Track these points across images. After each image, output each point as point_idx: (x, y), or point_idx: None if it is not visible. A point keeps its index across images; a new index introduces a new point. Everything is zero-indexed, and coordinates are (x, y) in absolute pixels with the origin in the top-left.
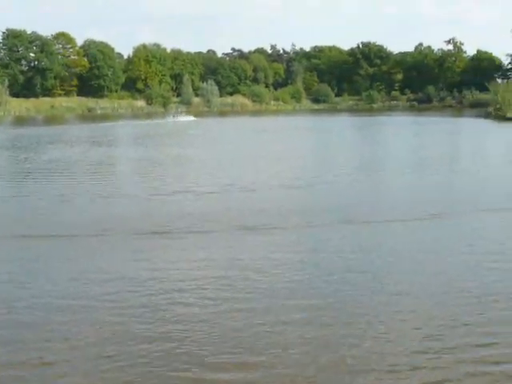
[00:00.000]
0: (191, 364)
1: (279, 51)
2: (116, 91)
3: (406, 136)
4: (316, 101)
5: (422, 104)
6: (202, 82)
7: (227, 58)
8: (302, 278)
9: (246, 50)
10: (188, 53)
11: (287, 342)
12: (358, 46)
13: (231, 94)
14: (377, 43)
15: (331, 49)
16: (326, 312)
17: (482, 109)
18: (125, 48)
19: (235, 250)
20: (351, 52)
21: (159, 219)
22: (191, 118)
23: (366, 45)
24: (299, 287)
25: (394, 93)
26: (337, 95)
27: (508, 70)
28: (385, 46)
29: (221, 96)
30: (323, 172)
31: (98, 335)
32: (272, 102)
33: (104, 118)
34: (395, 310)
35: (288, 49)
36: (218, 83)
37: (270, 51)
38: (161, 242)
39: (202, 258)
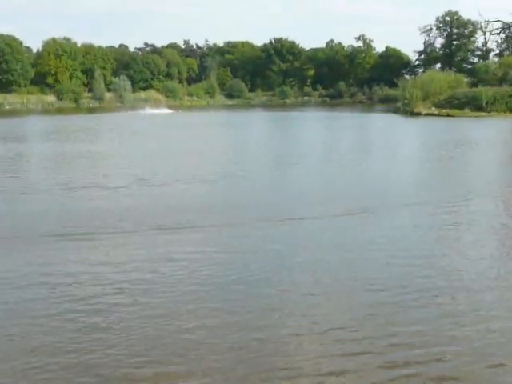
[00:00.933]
0: (102, 377)
1: (192, 46)
2: (25, 86)
3: (319, 131)
4: (230, 96)
5: (333, 99)
6: (115, 77)
7: (140, 53)
8: (219, 281)
9: (158, 44)
10: (99, 47)
11: (204, 349)
12: (271, 42)
13: (144, 89)
14: (289, 39)
15: (244, 44)
16: (239, 316)
17: (391, 104)
18: (35, 42)
19: (149, 252)
20: (264, 48)
21: (66, 219)
22: (166, 110)
23: (278, 41)
24: (215, 290)
25: (306, 88)
26: (250, 91)
27: (416, 66)
28: (297, 42)
29: (134, 91)
30: (239, 167)
31: None
32: (186, 98)
33: (12, 113)
34: (306, 309)
35: (201, 44)
36: (130, 78)
37: (183, 46)
38: (68, 244)
39: (113, 261)
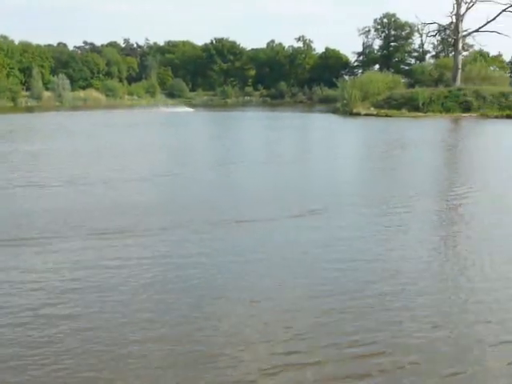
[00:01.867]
0: None
1: (132, 45)
2: None
3: (260, 131)
4: (171, 96)
5: (274, 99)
6: (53, 75)
7: (79, 52)
8: (159, 289)
9: (98, 43)
10: (37, 45)
11: (139, 363)
12: (212, 42)
13: (84, 88)
14: (230, 39)
15: (185, 44)
16: (176, 327)
17: (330, 104)
18: None
19: (84, 258)
20: (205, 47)
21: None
22: (187, 109)
23: (219, 40)
24: (153, 300)
25: (247, 88)
26: (191, 90)
27: (355, 67)
28: (238, 42)
29: (73, 90)
30: (181, 167)
31: None
32: (126, 97)
33: None
34: (248, 318)
35: (141, 43)
36: (69, 77)
37: (123, 45)
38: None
39: (40, 269)
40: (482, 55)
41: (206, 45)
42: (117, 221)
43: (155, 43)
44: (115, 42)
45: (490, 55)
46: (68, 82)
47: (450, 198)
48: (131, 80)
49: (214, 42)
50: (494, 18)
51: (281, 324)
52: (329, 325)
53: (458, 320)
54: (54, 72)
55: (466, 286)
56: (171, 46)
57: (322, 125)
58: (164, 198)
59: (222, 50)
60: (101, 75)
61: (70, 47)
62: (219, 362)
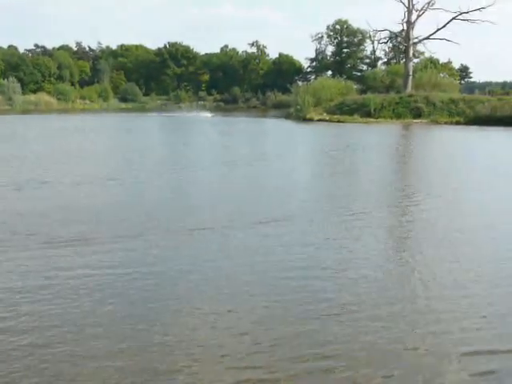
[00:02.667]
0: None
1: (85, 49)
2: None
3: (213, 136)
4: (124, 100)
5: (228, 104)
6: (3, 78)
7: (30, 55)
8: (110, 301)
9: (49, 46)
10: None
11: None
12: (165, 46)
13: (35, 91)
14: (183, 44)
15: (138, 48)
16: (125, 342)
17: (284, 110)
18: None
19: (31, 270)
20: (158, 52)
21: None
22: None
23: (173, 45)
24: (103, 314)
25: (201, 93)
26: (145, 94)
27: (308, 73)
28: (191, 47)
29: (23, 94)
30: (133, 171)
31: None
32: (78, 101)
33: None
34: (203, 332)
35: (94, 46)
36: (20, 80)
37: (75, 48)
38: None
39: None
40: (433, 62)
41: (159, 49)
42: (67, 228)
43: (108, 47)
44: (67, 46)
45: (440, 62)
46: (19, 85)
47: (407, 204)
48: (83, 84)
49: (168, 46)
50: (444, 26)
51: (237, 337)
52: (288, 337)
53: (423, 331)
54: (3, 75)
55: (426, 295)
56: (124, 50)
57: (275, 130)
58: (116, 204)
59: (176, 54)
60: (52, 79)
61: (21, 50)
62: (175, 380)
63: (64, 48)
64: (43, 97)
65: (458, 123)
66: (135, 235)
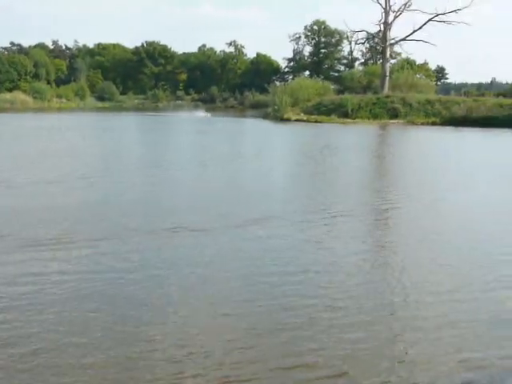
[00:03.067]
0: None
1: (61, 47)
2: None
3: (190, 135)
4: (101, 99)
5: (205, 104)
6: None
7: (5, 53)
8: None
9: (25, 44)
10: None
11: None
12: (143, 45)
13: (10, 90)
14: (161, 43)
15: (115, 46)
16: (95, 354)
17: (261, 110)
18: None
19: (4, 274)
20: (135, 51)
21: None
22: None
23: (151, 44)
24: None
25: (178, 92)
26: (122, 93)
27: (285, 73)
28: (169, 46)
29: None
30: (110, 171)
31: None
32: (55, 100)
33: None
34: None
35: (70, 45)
36: None
37: (51, 47)
38: None
39: None
40: (409, 63)
41: (136, 48)
42: (42, 230)
43: (85, 45)
44: (43, 44)
45: (417, 63)
46: None
47: (385, 206)
48: (60, 82)
49: (145, 45)
50: (420, 27)
51: (218, 345)
52: (264, 346)
53: (405, 338)
54: None
55: (407, 300)
56: (101, 49)
57: (253, 130)
58: (92, 204)
59: (153, 53)
60: (28, 77)
61: None
62: None
63: (40, 46)
64: (19, 95)
65: (434, 124)
66: (113, 236)
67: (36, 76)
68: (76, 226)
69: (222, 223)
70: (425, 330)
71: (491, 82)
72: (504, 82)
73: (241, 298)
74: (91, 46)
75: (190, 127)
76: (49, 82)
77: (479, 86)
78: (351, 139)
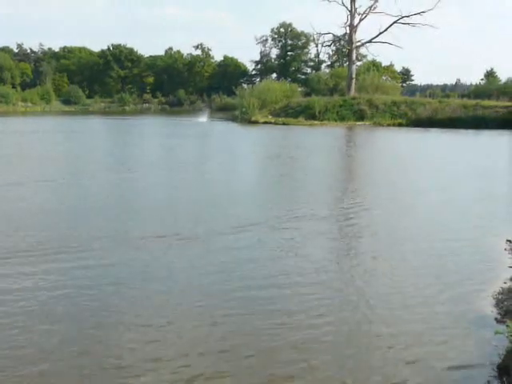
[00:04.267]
0: None
1: (26, 50)
2: None
3: (162, 138)
4: (67, 102)
5: (173, 107)
6: None
7: None
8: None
9: None
10: None
11: None
12: (109, 48)
13: None
14: (127, 46)
15: (81, 50)
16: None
17: (229, 112)
18: None
19: None
20: (102, 54)
21: None
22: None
23: (117, 47)
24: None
25: (145, 96)
26: (88, 97)
27: (253, 75)
28: (135, 49)
29: None
30: (75, 175)
31: None
32: (20, 103)
33: None
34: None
35: (36, 48)
36: None
37: (16, 50)
38: None
39: None
40: (375, 65)
41: (102, 51)
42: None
43: (50, 49)
44: (8, 47)
45: (383, 65)
46: None
47: (355, 208)
48: (25, 86)
49: (111, 48)
50: (385, 29)
51: (184, 360)
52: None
53: (377, 346)
54: None
55: (381, 306)
56: (67, 52)
57: (221, 133)
58: (52, 211)
59: (120, 56)
60: None
61: None
62: None
63: (5, 50)
64: None
65: (400, 125)
66: (76, 245)
67: (0, 80)
68: (44, 234)
69: (191, 231)
70: (402, 335)
71: (456, 83)
72: (468, 83)
73: (212, 304)
74: (56, 49)
75: (160, 130)
76: (14, 86)
77: (444, 88)
78: (320, 141)
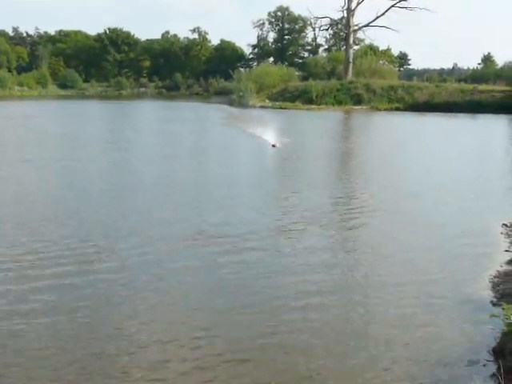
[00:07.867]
0: None
1: (22, 34)
2: None
3: (153, 124)
4: (63, 86)
5: (170, 91)
6: None
7: None
8: None
9: None
10: None
11: None
12: (105, 32)
13: None
14: (124, 29)
15: (77, 33)
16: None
17: (226, 96)
18: None
19: None
20: (98, 38)
21: None
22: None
23: (113, 31)
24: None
25: (142, 80)
26: (85, 81)
27: (250, 59)
28: (132, 33)
29: None
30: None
31: None
32: (16, 88)
33: None
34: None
35: (32, 32)
36: None
37: (12, 34)
38: None
39: None
40: (372, 49)
41: (99, 35)
42: None
43: (46, 32)
44: (3, 31)
45: (380, 49)
46: None
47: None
48: (21, 70)
49: (108, 32)
50: (383, 13)
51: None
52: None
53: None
54: None
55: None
56: (63, 36)
57: (219, 117)
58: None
59: (116, 40)
60: None
61: None
62: None
63: (0, 33)
64: None
65: (397, 109)
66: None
67: None
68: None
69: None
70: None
71: (453, 67)
72: (465, 67)
73: (193, 313)
74: (53, 33)
75: (152, 115)
76: (10, 70)
77: (441, 72)
78: (317, 125)
